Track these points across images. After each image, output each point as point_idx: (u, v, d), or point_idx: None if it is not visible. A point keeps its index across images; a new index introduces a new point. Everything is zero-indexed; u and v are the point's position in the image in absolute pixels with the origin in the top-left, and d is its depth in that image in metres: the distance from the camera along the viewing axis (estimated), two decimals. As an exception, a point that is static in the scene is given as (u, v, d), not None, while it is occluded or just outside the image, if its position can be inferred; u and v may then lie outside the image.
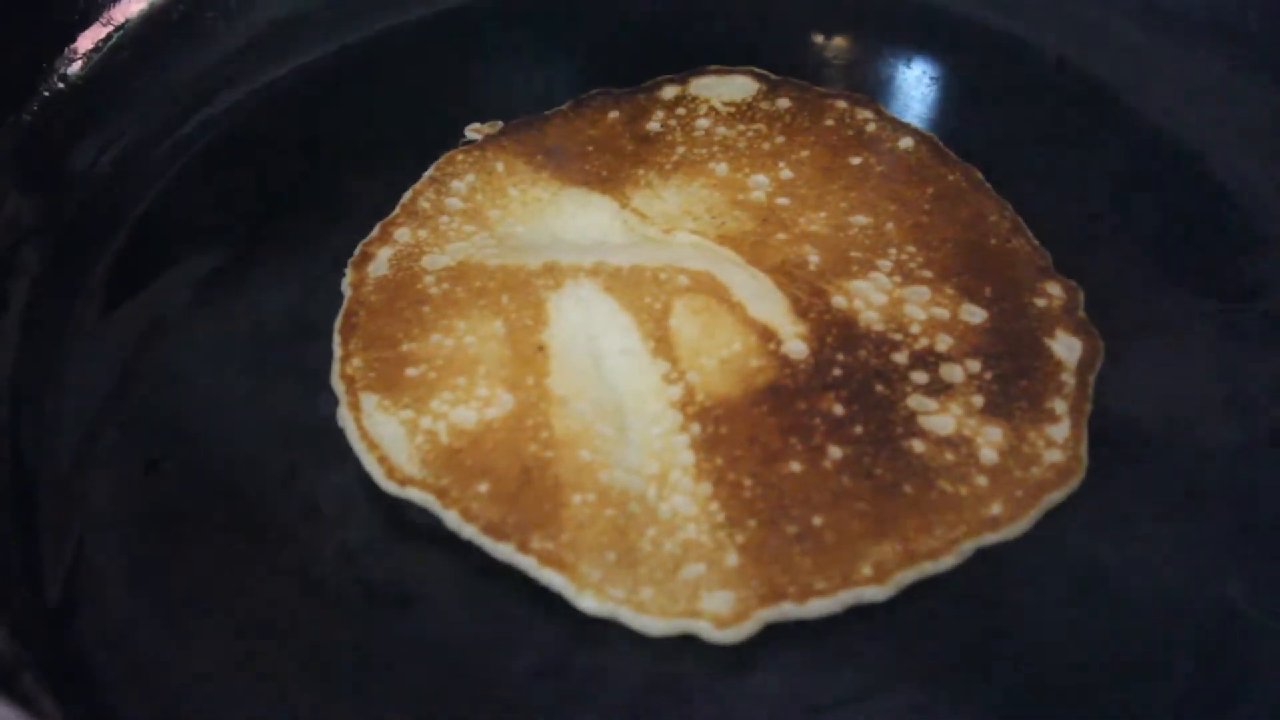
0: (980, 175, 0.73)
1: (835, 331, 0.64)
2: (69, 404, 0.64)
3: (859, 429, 0.61)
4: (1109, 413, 0.63)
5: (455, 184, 0.73)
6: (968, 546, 0.57)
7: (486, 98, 0.79)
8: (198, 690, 0.54)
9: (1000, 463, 0.60)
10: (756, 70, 0.80)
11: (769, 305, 0.65)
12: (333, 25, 0.84)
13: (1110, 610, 0.56)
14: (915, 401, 0.62)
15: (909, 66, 0.82)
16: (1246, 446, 0.62)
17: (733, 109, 0.77)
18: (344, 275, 0.68)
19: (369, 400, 0.62)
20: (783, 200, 0.71)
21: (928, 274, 0.67)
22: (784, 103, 0.77)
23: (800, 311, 0.65)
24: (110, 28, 0.80)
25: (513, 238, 0.70)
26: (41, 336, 0.67)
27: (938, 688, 0.55)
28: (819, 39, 0.84)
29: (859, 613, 0.56)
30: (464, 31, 0.85)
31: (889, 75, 0.82)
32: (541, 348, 0.64)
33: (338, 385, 0.63)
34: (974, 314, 0.65)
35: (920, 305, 0.66)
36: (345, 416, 0.62)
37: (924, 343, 0.64)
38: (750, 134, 0.75)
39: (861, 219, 0.70)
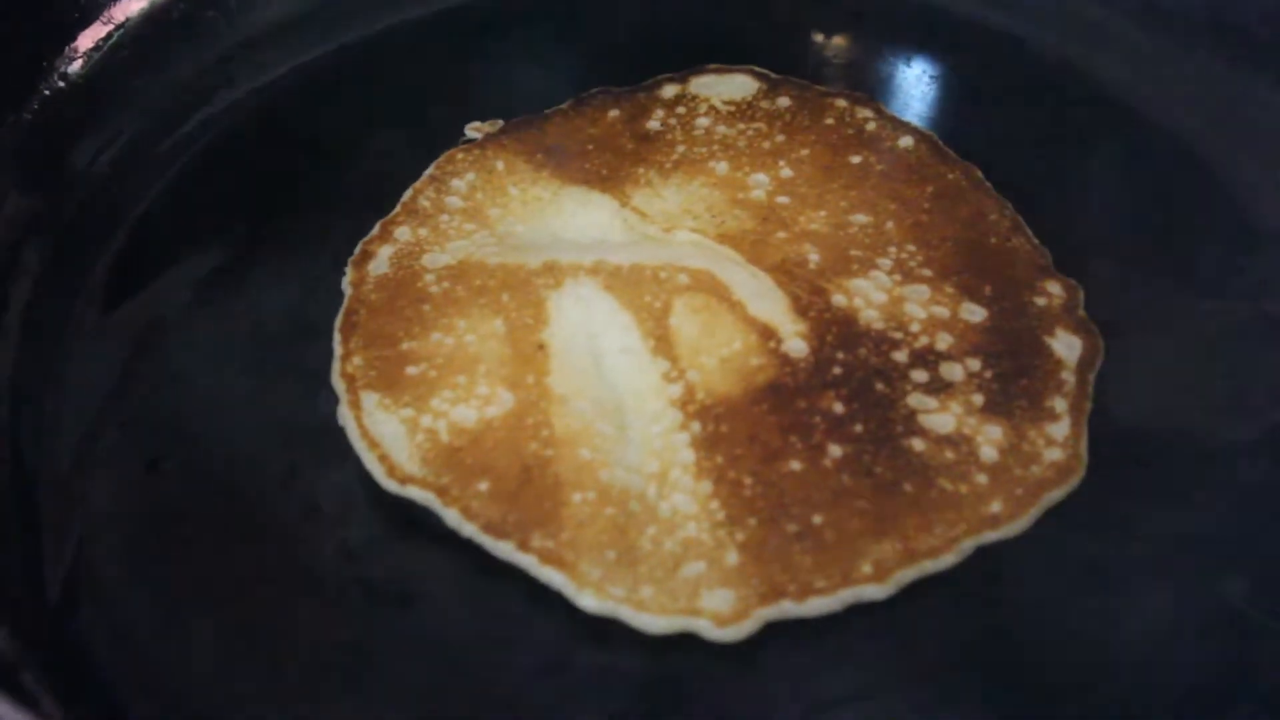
0: (980, 174, 0.73)
1: (835, 330, 0.64)
2: (69, 404, 0.64)
3: (859, 427, 0.61)
4: (1109, 411, 0.63)
5: (455, 183, 0.73)
6: (968, 545, 0.57)
7: (486, 97, 0.79)
8: (198, 689, 0.54)
9: (1000, 461, 0.60)
10: (756, 69, 0.80)
11: (769, 304, 0.65)
12: (332, 25, 0.84)
13: (1110, 610, 0.56)
14: (915, 400, 0.62)
15: (909, 65, 0.82)
16: (1246, 446, 0.62)
17: (733, 108, 0.77)
18: (344, 274, 0.68)
19: (369, 399, 0.62)
20: (783, 199, 0.71)
21: (928, 272, 0.67)
22: (784, 101, 0.77)
23: (800, 310, 0.65)
24: (110, 26, 0.80)
25: (513, 236, 0.70)
26: (41, 336, 0.67)
27: (938, 686, 0.55)
28: (819, 38, 0.85)
29: (859, 611, 0.56)
30: (464, 31, 0.85)
31: (889, 74, 0.82)
32: (542, 346, 0.64)
33: (338, 384, 0.63)
34: (974, 312, 0.65)
35: (920, 304, 0.66)
36: (346, 415, 0.62)
37: (924, 341, 0.64)
38: (750, 133, 0.75)
39: (861, 218, 0.70)
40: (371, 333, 0.65)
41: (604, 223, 0.70)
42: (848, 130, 0.75)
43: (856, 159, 0.74)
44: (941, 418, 0.61)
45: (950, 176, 0.73)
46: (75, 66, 0.77)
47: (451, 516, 0.58)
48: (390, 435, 0.61)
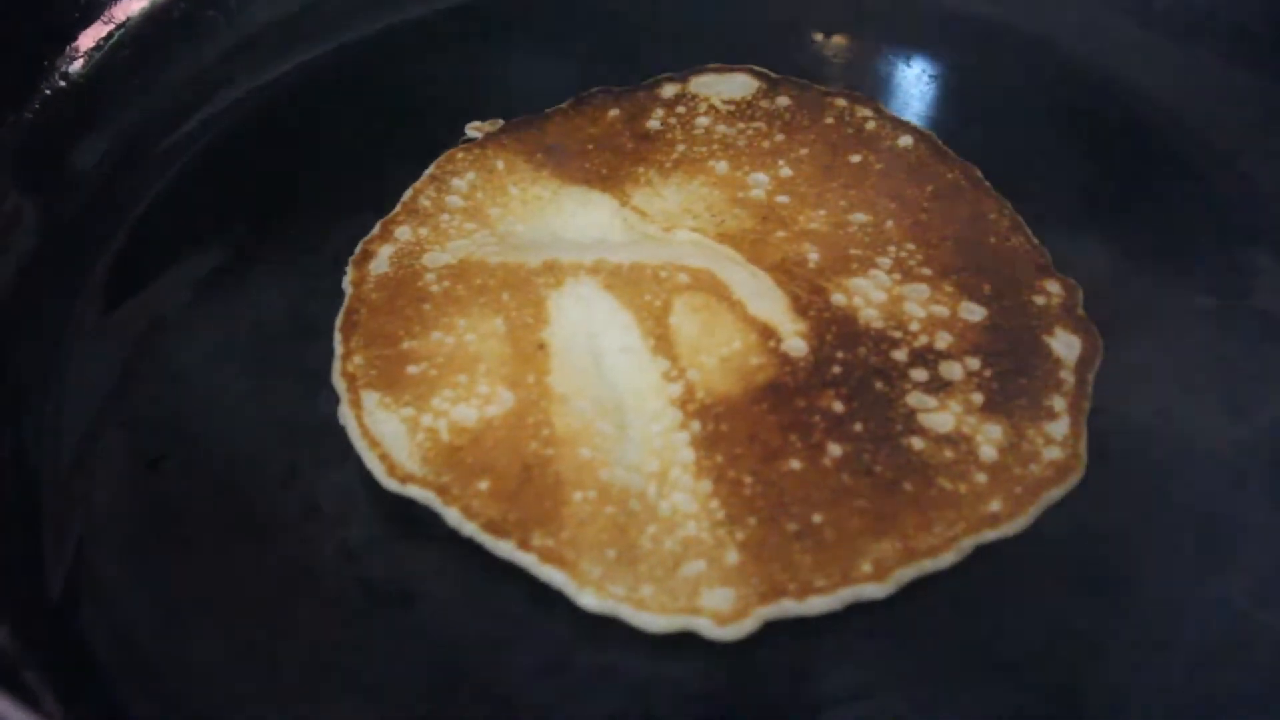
0: (979, 173, 0.73)
1: (835, 329, 0.64)
2: (69, 404, 0.64)
3: (859, 426, 0.61)
4: (1108, 410, 0.63)
5: (456, 182, 0.73)
6: (967, 544, 0.57)
7: (486, 96, 0.78)
8: (199, 688, 0.54)
9: (999, 460, 0.60)
10: (756, 68, 0.80)
11: (769, 303, 0.65)
12: (333, 24, 0.84)
13: (1110, 609, 0.57)
14: (915, 399, 0.62)
15: (908, 65, 0.82)
16: (1246, 444, 0.62)
17: (732, 107, 0.77)
18: (344, 273, 0.68)
19: (370, 398, 0.62)
20: (782, 198, 0.71)
21: (927, 271, 0.67)
22: (784, 101, 0.77)
23: (800, 309, 0.65)
24: (111, 26, 0.80)
25: (513, 235, 0.70)
26: (41, 336, 0.67)
27: (938, 686, 0.55)
28: (819, 37, 0.85)
29: (859, 610, 0.56)
30: (464, 31, 0.85)
31: (888, 73, 0.82)
32: (542, 345, 0.64)
33: (339, 383, 0.63)
34: (973, 311, 0.66)
35: (919, 303, 0.66)
36: (346, 414, 0.62)
37: (923, 340, 0.64)
38: (750, 132, 0.75)
39: (861, 217, 0.70)
40: (372, 332, 0.65)
41: (604, 222, 0.71)
42: (847, 130, 0.75)
43: (856, 158, 0.74)
44: (941, 417, 0.61)
45: (950, 176, 0.73)
46: (76, 66, 0.77)
47: (452, 515, 0.58)
48: (391, 434, 0.61)
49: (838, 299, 0.66)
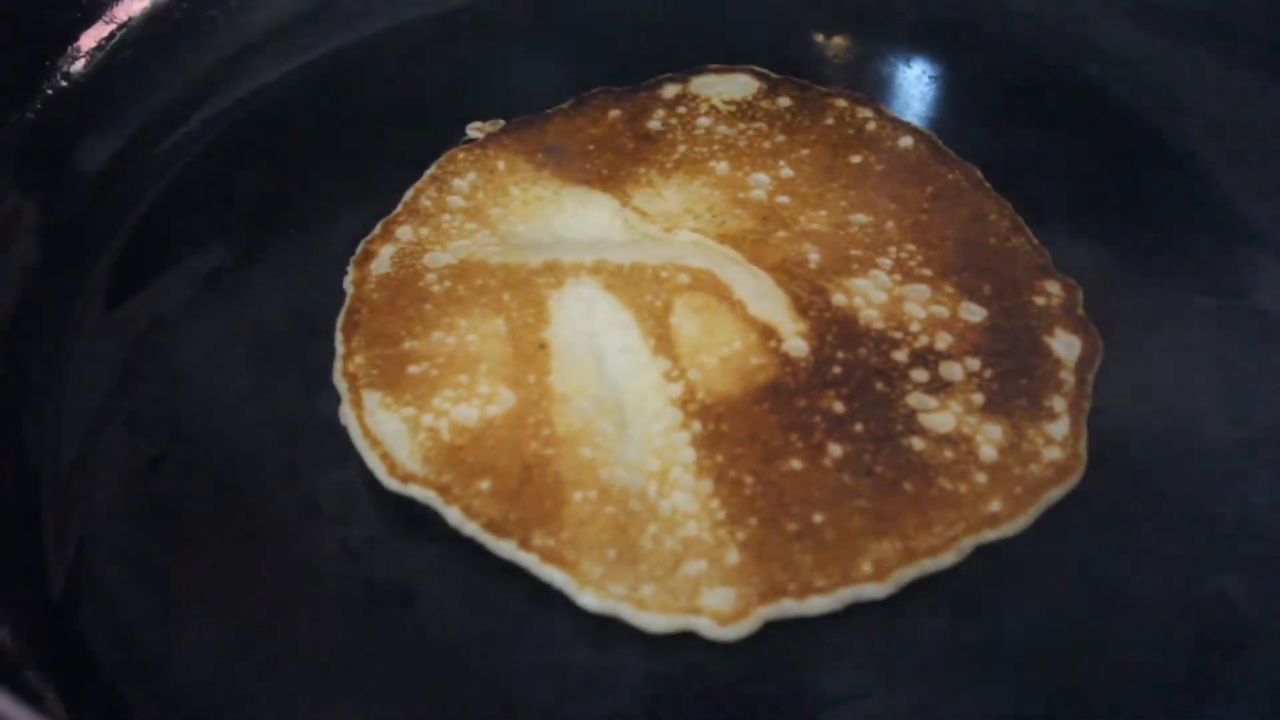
0: (979, 174, 0.73)
1: (835, 329, 0.64)
2: (70, 403, 0.64)
3: (859, 427, 0.61)
4: (1108, 410, 0.63)
5: (457, 182, 0.73)
6: (967, 544, 0.57)
7: (487, 96, 0.79)
8: (199, 687, 0.54)
9: (1000, 460, 0.60)
10: (757, 69, 0.80)
11: (769, 303, 0.65)
12: (333, 24, 0.84)
13: (1110, 609, 0.57)
14: (915, 399, 0.62)
15: (909, 65, 0.82)
16: (1246, 444, 0.62)
17: (733, 107, 0.77)
18: (346, 273, 0.69)
19: (371, 398, 0.62)
20: (783, 199, 0.71)
21: (927, 272, 0.67)
22: (784, 101, 0.77)
23: (800, 309, 0.65)
24: (113, 26, 0.80)
25: (514, 236, 0.70)
26: (42, 336, 0.67)
27: (938, 686, 0.55)
28: (819, 38, 0.85)
29: (859, 610, 0.56)
30: (464, 31, 0.85)
31: (889, 74, 0.82)
32: (543, 345, 0.64)
33: (340, 383, 0.64)
34: (973, 312, 0.66)
35: (920, 303, 0.66)
36: (347, 414, 0.62)
37: (924, 340, 0.64)
38: (751, 132, 0.75)
39: (861, 217, 0.70)
40: (373, 332, 0.65)
41: (605, 222, 0.71)
42: (848, 130, 0.75)
43: (856, 159, 0.74)
44: (941, 417, 0.61)
45: (950, 176, 0.73)
46: (77, 66, 0.78)
47: (453, 515, 0.58)
48: (392, 434, 0.61)
49: (838, 299, 0.66)
